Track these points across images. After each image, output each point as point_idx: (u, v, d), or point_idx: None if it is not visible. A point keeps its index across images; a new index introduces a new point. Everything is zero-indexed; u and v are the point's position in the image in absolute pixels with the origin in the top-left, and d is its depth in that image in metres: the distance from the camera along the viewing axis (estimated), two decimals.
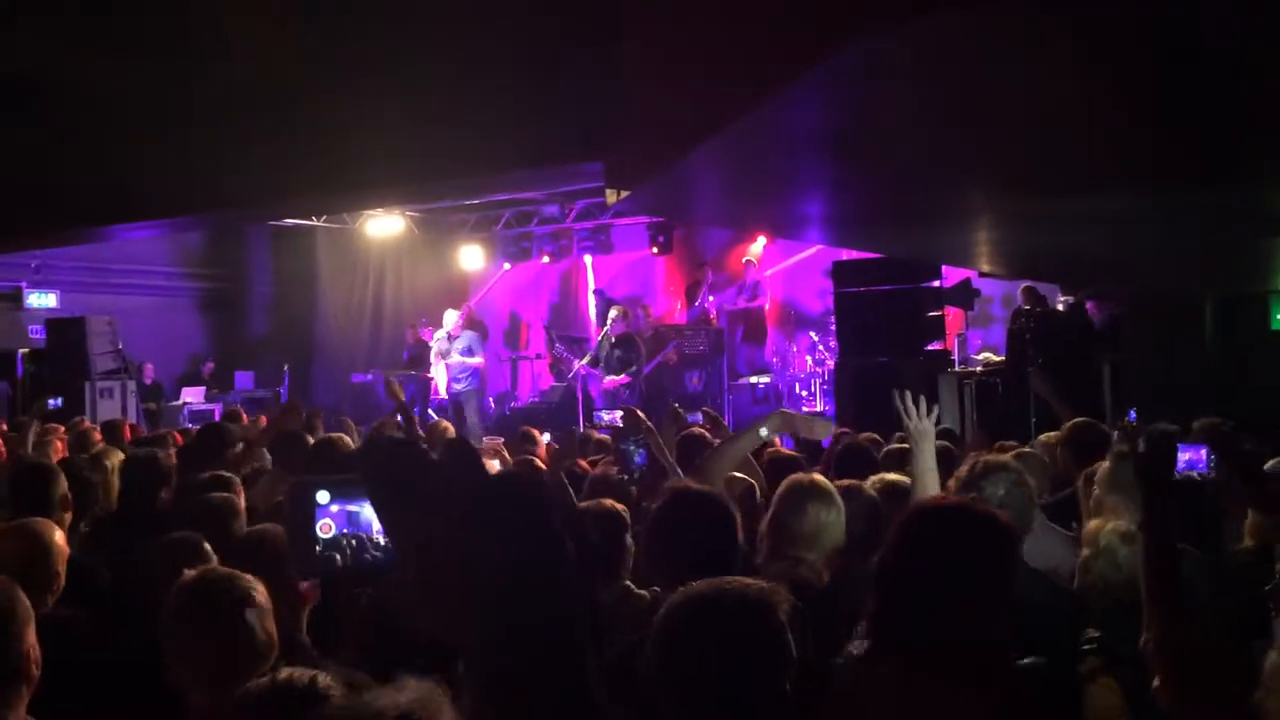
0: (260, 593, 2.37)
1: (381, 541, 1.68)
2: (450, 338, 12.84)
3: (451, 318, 13.03)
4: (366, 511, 1.69)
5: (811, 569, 3.08)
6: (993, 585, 2.06)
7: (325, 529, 1.70)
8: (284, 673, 1.82)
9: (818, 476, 3.34)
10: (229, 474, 4.20)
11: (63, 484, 3.87)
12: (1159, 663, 2.17)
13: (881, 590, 2.13)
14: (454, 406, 12.71)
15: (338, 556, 1.70)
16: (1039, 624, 2.83)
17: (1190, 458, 3.80)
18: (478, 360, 12.97)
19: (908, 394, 3.46)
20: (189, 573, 2.41)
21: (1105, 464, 3.65)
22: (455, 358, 12.70)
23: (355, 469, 1.21)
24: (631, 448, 4.71)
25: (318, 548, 1.69)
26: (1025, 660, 2.29)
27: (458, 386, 12.76)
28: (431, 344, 13.17)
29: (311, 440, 5.25)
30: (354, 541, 1.69)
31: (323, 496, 1.71)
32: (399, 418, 6.27)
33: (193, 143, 6.36)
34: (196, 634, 2.30)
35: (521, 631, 1.04)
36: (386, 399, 7.56)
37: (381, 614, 2.51)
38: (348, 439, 4.99)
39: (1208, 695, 2.12)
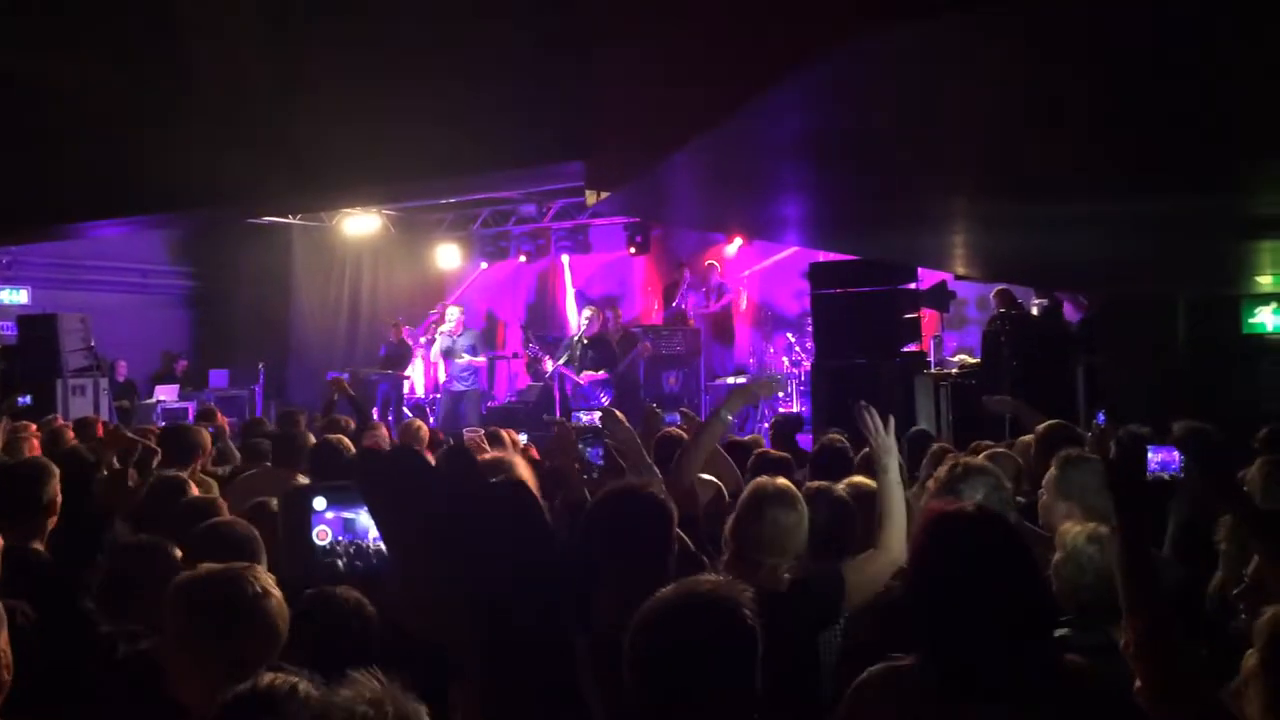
0: (273, 588, 2.34)
1: (377, 548, 1.67)
2: (452, 335, 12.78)
3: (454, 314, 12.97)
4: (363, 518, 1.69)
5: (771, 574, 3.10)
6: (1022, 591, 2.08)
7: (321, 535, 1.70)
8: (266, 678, 1.80)
9: (781, 481, 3.35)
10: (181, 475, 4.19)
11: (52, 485, 3.68)
12: (1138, 666, 2.20)
13: (917, 603, 2.15)
14: (451, 401, 12.64)
15: (338, 562, 1.70)
16: None
17: (1163, 459, 3.83)
18: (481, 359, 12.97)
19: (871, 411, 3.48)
20: (203, 568, 2.37)
21: (1052, 469, 3.66)
22: (464, 357, 12.66)
23: (352, 476, 1.23)
24: (582, 446, 4.62)
25: (314, 554, 1.69)
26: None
27: (460, 386, 12.70)
28: (436, 339, 13.10)
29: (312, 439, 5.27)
30: (350, 548, 1.69)
31: (319, 503, 1.71)
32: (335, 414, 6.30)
33: (172, 142, 6.32)
34: (202, 632, 2.25)
35: (516, 634, 1.05)
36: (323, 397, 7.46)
37: (333, 615, 2.52)
38: (347, 440, 4.96)
39: (1186, 697, 2.14)
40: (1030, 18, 2.15)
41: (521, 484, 1.93)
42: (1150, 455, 3.77)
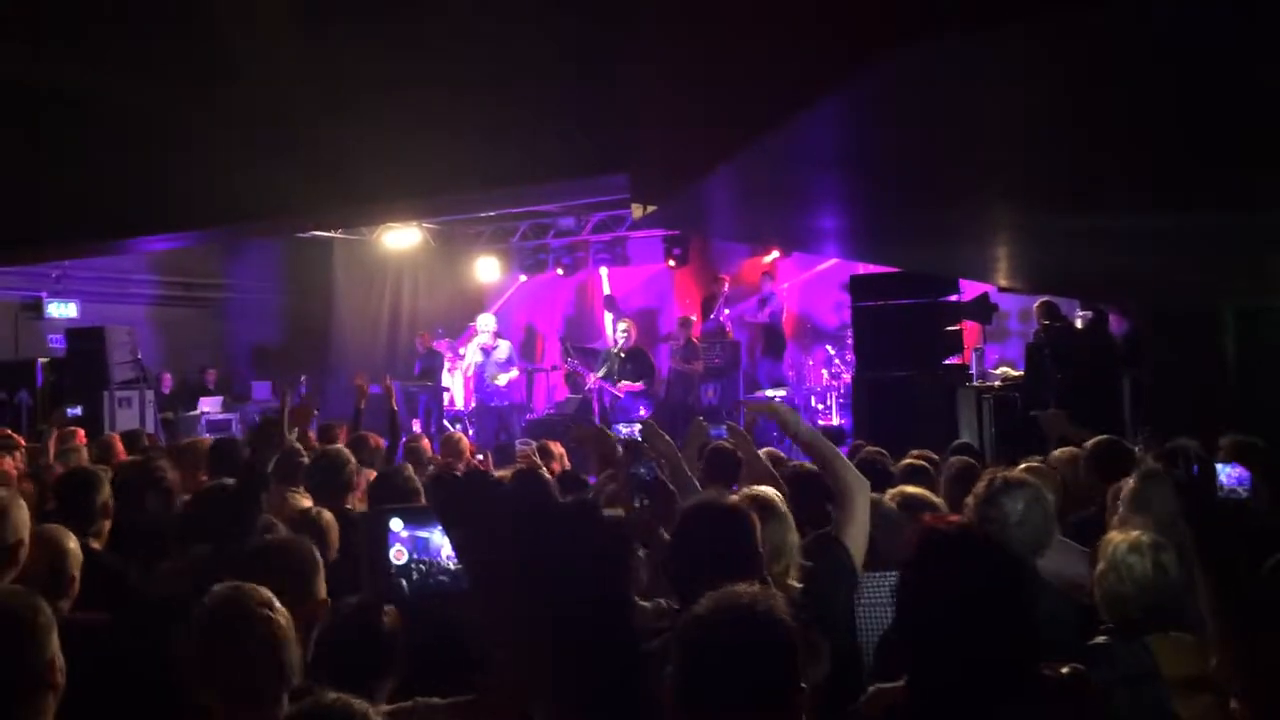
0: (276, 603, 2.34)
1: (451, 566, 1.71)
2: (487, 349, 12.76)
3: (488, 323, 12.94)
4: (436, 537, 1.72)
5: (781, 581, 3.12)
6: (1007, 611, 2.04)
7: (398, 555, 1.73)
8: (331, 696, 1.79)
9: (751, 491, 3.41)
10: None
11: (105, 490, 3.91)
12: (1237, 685, 2.14)
13: (901, 617, 2.12)
14: (486, 417, 12.66)
15: (414, 580, 1.74)
16: (1050, 638, 2.86)
17: (1238, 474, 3.74)
18: (515, 374, 12.99)
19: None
20: (216, 589, 2.39)
21: (1130, 482, 3.64)
22: (500, 379, 12.64)
23: (428, 499, 1.26)
24: (644, 471, 4.58)
25: (391, 573, 1.73)
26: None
27: (496, 402, 12.70)
28: (464, 352, 13.13)
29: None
30: (424, 566, 1.72)
31: (395, 524, 1.75)
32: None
33: (215, 156, 6.40)
34: (220, 653, 2.27)
35: (589, 657, 1.06)
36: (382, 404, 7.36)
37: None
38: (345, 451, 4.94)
39: None
40: (1086, 29, 2.12)
41: (591, 502, 1.95)
42: (1224, 473, 3.69)
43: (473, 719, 1.92)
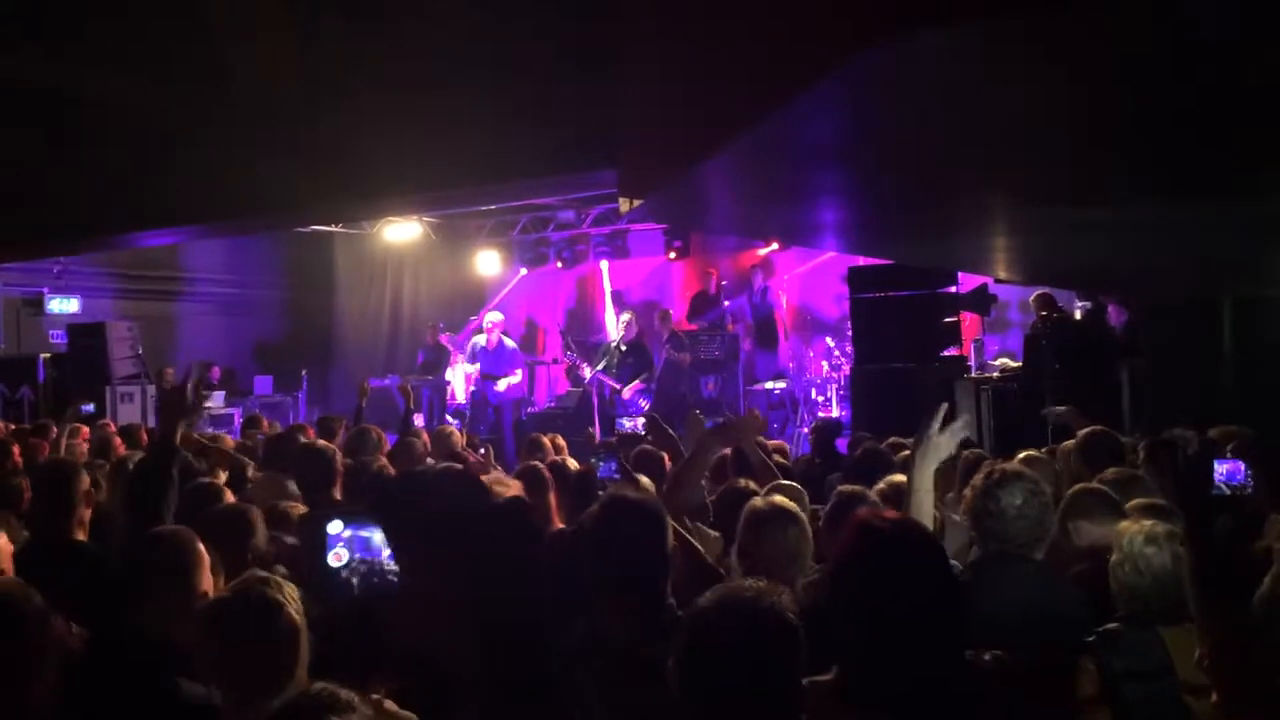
0: (296, 604, 2.35)
1: (392, 566, 1.73)
2: (489, 349, 12.73)
3: (494, 319, 12.89)
4: (377, 537, 1.75)
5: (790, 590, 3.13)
6: (938, 609, 2.03)
7: (337, 558, 1.76)
8: (318, 686, 1.82)
9: (777, 499, 3.42)
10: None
11: (85, 481, 3.97)
12: (1216, 678, 2.15)
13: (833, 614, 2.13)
14: (496, 413, 12.69)
15: (354, 581, 1.77)
16: (1051, 626, 2.88)
17: (1228, 469, 3.72)
18: (518, 379, 12.98)
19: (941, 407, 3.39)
20: (224, 590, 2.39)
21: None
22: (501, 385, 12.62)
23: (366, 502, 1.27)
24: (595, 460, 4.54)
25: (330, 576, 1.75)
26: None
27: (496, 399, 12.72)
28: (469, 347, 13.18)
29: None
30: (365, 567, 1.75)
31: (334, 526, 1.78)
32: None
33: (213, 152, 6.43)
34: (232, 647, 2.28)
35: (511, 645, 1.08)
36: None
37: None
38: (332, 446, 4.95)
39: (1270, 711, 2.09)
40: (1084, 20, 2.12)
41: (519, 500, 1.97)
42: (1216, 467, 3.67)
43: None
